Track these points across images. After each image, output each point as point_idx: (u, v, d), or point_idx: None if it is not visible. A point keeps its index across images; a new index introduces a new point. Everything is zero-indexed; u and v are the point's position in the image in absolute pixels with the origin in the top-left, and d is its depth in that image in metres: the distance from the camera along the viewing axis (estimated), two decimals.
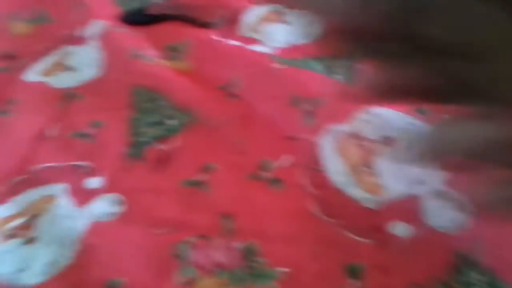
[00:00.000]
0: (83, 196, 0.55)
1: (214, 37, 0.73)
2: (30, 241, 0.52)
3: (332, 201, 0.48)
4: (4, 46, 0.83)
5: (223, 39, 0.72)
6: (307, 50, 0.67)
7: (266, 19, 0.75)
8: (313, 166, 0.51)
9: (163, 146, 0.59)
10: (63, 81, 0.73)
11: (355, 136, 0.51)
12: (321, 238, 0.44)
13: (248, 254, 0.45)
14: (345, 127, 0.52)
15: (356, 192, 0.48)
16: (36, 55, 0.79)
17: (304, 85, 0.58)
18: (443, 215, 0.43)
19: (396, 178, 0.47)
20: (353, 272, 0.41)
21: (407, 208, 0.45)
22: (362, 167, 0.49)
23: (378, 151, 0.49)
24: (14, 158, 0.61)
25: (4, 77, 0.76)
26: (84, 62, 0.75)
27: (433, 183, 0.45)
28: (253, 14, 0.76)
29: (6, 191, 0.58)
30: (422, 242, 0.42)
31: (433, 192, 0.45)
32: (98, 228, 0.52)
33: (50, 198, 0.56)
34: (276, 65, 0.63)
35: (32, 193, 0.57)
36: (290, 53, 0.67)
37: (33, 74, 0.74)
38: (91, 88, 0.70)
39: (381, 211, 0.45)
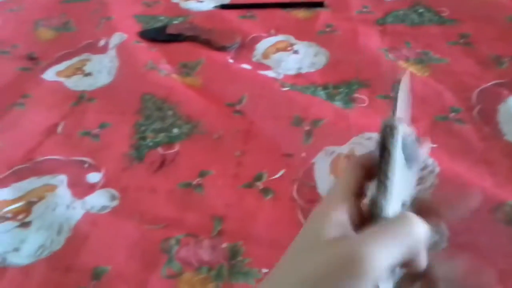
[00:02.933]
0: (82, 189, 0.57)
1: (227, 59, 0.77)
2: (25, 224, 0.54)
3: None
4: (30, 48, 0.88)
5: (235, 62, 0.76)
6: (312, 78, 0.71)
7: (277, 48, 0.79)
8: (306, 182, 0.53)
9: (164, 151, 0.61)
10: (79, 84, 0.76)
11: (349, 157, 0.53)
12: None
13: (233, 254, 0.46)
14: (340, 148, 0.55)
15: None
16: (58, 59, 0.83)
17: (306, 107, 0.61)
18: None
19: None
20: None
21: None
22: None
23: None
24: (22, 147, 0.64)
25: (25, 75, 0.80)
26: (100, 69, 0.79)
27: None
28: (266, 43, 0.81)
29: (9, 176, 0.60)
30: None
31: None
32: (91, 219, 0.53)
33: (50, 187, 0.58)
34: (281, 88, 0.66)
35: (34, 181, 0.59)
36: (296, 80, 0.70)
37: (52, 74, 0.78)
38: (104, 93, 0.74)
39: None
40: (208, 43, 0.81)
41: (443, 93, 0.64)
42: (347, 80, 0.70)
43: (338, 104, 0.64)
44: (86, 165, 0.61)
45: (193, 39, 0.83)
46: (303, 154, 0.56)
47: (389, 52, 0.74)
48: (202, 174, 0.57)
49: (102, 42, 0.86)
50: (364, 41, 0.78)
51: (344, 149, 0.54)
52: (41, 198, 0.57)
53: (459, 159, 0.53)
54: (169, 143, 0.63)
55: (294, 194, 0.52)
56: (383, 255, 0.23)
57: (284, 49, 0.78)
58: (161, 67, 0.76)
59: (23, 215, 0.55)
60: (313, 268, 0.24)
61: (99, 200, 0.56)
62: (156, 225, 0.51)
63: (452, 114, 0.61)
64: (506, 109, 0.59)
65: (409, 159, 0.29)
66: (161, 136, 0.64)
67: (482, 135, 0.57)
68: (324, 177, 0.53)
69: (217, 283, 0.44)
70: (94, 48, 0.85)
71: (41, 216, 0.54)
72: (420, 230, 0.25)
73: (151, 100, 0.70)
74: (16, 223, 0.54)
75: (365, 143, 0.53)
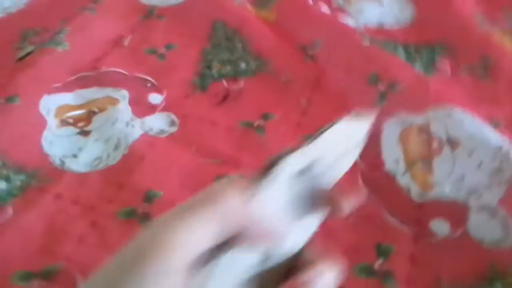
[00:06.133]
0: (143, 108, 0.57)
1: None
2: (84, 133, 0.55)
3: (380, 183, 0.48)
4: None
5: (314, 3, 0.71)
6: (394, 34, 0.66)
7: None
8: (371, 147, 0.51)
9: (228, 85, 0.60)
10: None
11: (422, 130, 0.50)
12: (361, 213, 0.44)
13: None
14: (414, 118, 0.51)
15: (406, 182, 0.47)
16: None
17: (385, 66, 0.57)
18: (487, 230, 0.42)
19: (450, 181, 0.46)
20: (383, 252, 0.41)
21: (453, 212, 0.44)
22: (420, 162, 0.48)
23: (441, 150, 0.48)
24: (89, 54, 0.63)
25: None
26: None
27: (487, 198, 0.44)
28: None
29: (74, 82, 0.60)
30: (458, 246, 0.42)
31: (484, 206, 0.44)
32: (149, 141, 0.53)
33: (112, 100, 0.58)
34: (361, 40, 0.62)
35: (97, 91, 0.59)
36: (377, 34, 0.66)
37: None
38: (175, 12, 0.71)
39: (425, 206, 0.45)
40: None
41: None
42: (431, 43, 0.64)
43: (418, 68, 0.59)
44: (149, 84, 0.60)
45: None
46: (374, 116, 0.53)
47: (484, 19, 0.68)
48: (265, 117, 0.55)
49: None
50: (457, 1, 0.71)
51: (418, 119, 0.51)
52: (102, 110, 0.57)
53: None
54: (235, 77, 0.61)
55: (360, 157, 0.50)
56: (185, 237, 0.20)
57: None
58: None
59: (83, 123, 0.56)
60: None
61: (158, 123, 0.56)
62: (212, 159, 0.51)
63: None
64: None
65: (306, 204, 0.25)
66: (227, 69, 0.62)
67: None
68: (391, 144, 0.51)
69: None
70: None
71: (100, 128, 0.55)
72: (233, 199, 0.21)
73: (222, 28, 0.67)
74: (77, 130, 0.55)
75: (443, 118, 0.50)
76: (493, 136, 0.47)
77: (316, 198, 0.25)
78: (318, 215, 0.26)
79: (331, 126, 0.25)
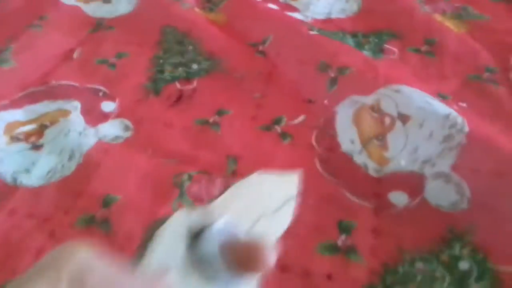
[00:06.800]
0: (96, 117, 0.56)
1: None
2: (36, 147, 0.53)
3: (338, 163, 0.48)
4: None
5: (262, 0, 0.72)
6: (342, 24, 0.67)
7: None
8: (326, 130, 0.51)
9: (181, 86, 0.59)
10: (98, 10, 0.73)
11: (374, 109, 0.51)
12: (321, 194, 0.44)
13: None
14: (365, 98, 0.52)
15: (362, 160, 0.48)
16: None
17: (334, 53, 0.58)
18: (441, 195, 0.43)
19: (404, 154, 0.47)
20: (345, 228, 0.41)
21: (410, 183, 0.45)
22: (374, 139, 0.49)
23: (393, 125, 0.49)
24: (37, 69, 0.62)
25: None
26: None
27: (438, 165, 0.45)
28: None
29: (23, 98, 0.59)
30: (417, 214, 0.42)
31: (438, 173, 0.44)
32: (104, 148, 0.52)
33: (64, 112, 0.57)
34: (309, 31, 0.63)
35: (48, 105, 0.58)
36: (325, 25, 0.67)
37: None
38: (123, 21, 0.71)
39: (383, 180, 0.45)
40: None
41: (480, 52, 0.61)
42: (378, 29, 0.66)
43: (367, 53, 0.61)
44: (100, 94, 0.59)
45: None
46: (326, 102, 0.54)
47: (425, 4, 0.70)
48: (220, 113, 0.55)
49: None
50: None
51: (369, 99, 0.52)
52: (54, 122, 0.55)
53: (490, 121, 0.51)
54: (188, 78, 0.61)
55: (313, 141, 0.50)
56: None
57: None
58: (184, 0, 0.73)
59: (35, 138, 0.54)
60: None
61: (112, 129, 0.55)
62: (169, 159, 0.50)
63: (487, 74, 0.58)
64: None
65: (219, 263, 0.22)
66: (180, 71, 0.62)
67: None
68: (345, 126, 0.51)
69: None
70: None
71: (53, 140, 0.54)
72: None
73: (172, 33, 0.67)
74: (28, 145, 0.53)
75: (392, 95, 0.51)
76: (440, 106, 0.48)
77: (232, 255, 0.22)
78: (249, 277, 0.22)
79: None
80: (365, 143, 0.49)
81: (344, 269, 0.39)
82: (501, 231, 0.40)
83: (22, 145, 0.54)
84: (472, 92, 0.56)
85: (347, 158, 0.48)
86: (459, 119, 0.47)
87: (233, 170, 0.48)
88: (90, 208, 0.46)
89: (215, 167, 0.48)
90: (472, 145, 0.45)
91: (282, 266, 0.39)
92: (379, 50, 0.62)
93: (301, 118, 0.53)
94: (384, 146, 0.48)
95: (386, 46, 0.63)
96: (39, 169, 0.51)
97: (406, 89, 0.51)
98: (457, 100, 0.54)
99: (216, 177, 0.48)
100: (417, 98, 0.50)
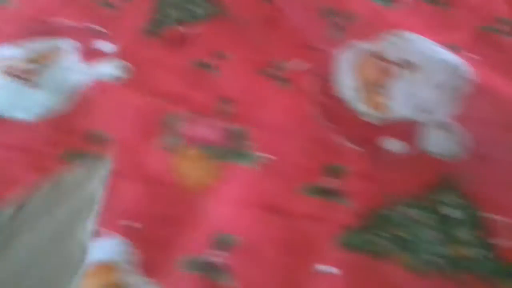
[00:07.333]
0: (92, 56, 0.55)
1: None
2: (32, 85, 0.53)
3: (334, 109, 0.46)
4: None
5: None
6: None
7: None
8: (325, 76, 0.49)
9: (182, 29, 0.58)
10: None
11: (377, 56, 0.49)
12: (312, 137, 0.43)
13: (238, 136, 0.44)
14: (369, 45, 0.50)
15: (360, 107, 0.46)
16: None
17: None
18: (439, 143, 0.41)
19: (405, 102, 0.45)
20: (333, 172, 0.40)
21: (406, 130, 0.43)
22: (374, 86, 0.47)
23: (395, 73, 0.47)
24: (35, 7, 0.61)
25: None
26: None
27: (439, 114, 0.43)
28: None
29: (20, 35, 0.58)
30: (410, 161, 0.41)
31: (436, 122, 0.42)
32: (99, 86, 0.52)
33: (60, 51, 0.56)
34: None
35: (45, 43, 0.57)
36: None
37: None
38: None
39: (379, 127, 0.44)
40: None
41: (495, 2, 0.57)
42: None
43: (378, 1, 0.58)
44: (99, 33, 0.58)
45: None
46: (329, 48, 0.52)
47: None
48: (218, 55, 0.53)
49: None
50: None
51: (373, 46, 0.49)
52: (50, 60, 0.55)
53: (502, 74, 0.48)
54: (189, 21, 0.59)
55: (312, 87, 0.49)
56: None
57: None
58: None
59: (30, 74, 0.54)
60: None
61: (109, 69, 0.54)
62: (164, 99, 0.49)
63: (501, 26, 0.54)
64: None
65: None
66: (182, 13, 0.60)
67: None
68: (347, 73, 0.49)
69: (217, 161, 0.43)
70: None
71: (48, 78, 0.53)
72: None
73: None
74: (23, 81, 0.53)
75: (397, 42, 0.48)
76: (447, 54, 0.46)
77: None
78: None
79: None
80: (365, 89, 0.47)
81: (327, 210, 0.38)
82: (496, 181, 0.38)
83: (17, 80, 0.53)
84: (485, 44, 0.53)
85: (345, 104, 0.47)
86: (467, 68, 0.44)
87: (228, 112, 0.47)
88: (80, 144, 0.46)
89: (209, 109, 0.47)
90: (480, 96, 0.43)
91: (263, 205, 0.39)
92: None
93: (302, 64, 0.51)
94: (384, 93, 0.46)
95: None
96: (33, 105, 0.50)
97: (413, 36, 0.49)
98: (469, 52, 0.51)
99: (210, 117, 0.46)
100: (423, 46, 0.47)
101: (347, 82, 0.48)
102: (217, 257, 0.38)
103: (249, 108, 0.47)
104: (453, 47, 0.51)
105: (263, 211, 0.38)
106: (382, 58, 0.48)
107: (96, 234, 0.19)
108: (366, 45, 0.50)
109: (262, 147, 0.43)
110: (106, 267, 0.39)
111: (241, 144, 0.43)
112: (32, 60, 0.55)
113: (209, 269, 0.37)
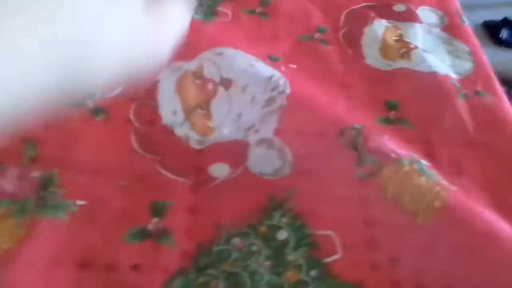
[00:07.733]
0: None
1: None
2: None
3: (157, 138, 0.43)
4: None
5: None
6: None
7: None
8: (146, 101, 0.46)
9: None
10: None
11: (197, 75, 0.46)
12: (133, 174, 0.39)
13: (45, 184, 0.38)
14: (189, 65, 0.47)
15: (184, 132, 0.43)
16: None
17: None
18: (265, 162, 0.40)
19: (229, 122, 0.43)
20: (158, 210, 0.37)
21: (233, 152, 0.41)
22: (198, 108, 0.45)
23: (216, 92, 0.45)
24: None
25: None
26: None
27: (264, 131, 0.42)
28: None
29: None
30: (238, 185, 0.39)
31: (261, 139, 0.42)
32: None
33: None
34: None
35: None
36: None
37: None
38: None
39: (205, 152, 0.42)
40: None
41: (312, 12, 0.60)
42: None
43: (198, 17, 0.56)
44: None
45: None
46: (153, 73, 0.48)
47: None
48: None
49: None
50: None
51: (192, 65, 0.47)
52: None
53: (317, 81, 0.49)
54: None
55: (131, 115, 0.45)
56: None
57: None
58: None
59: None
60: None
61: None
62: None
63: (318, 35, 0.56)
64: (369, 32, 0.56)
65: None
66: None
67: (344, 57, 0.54)
68: (167, 96, 0.46)
69: (22, 218, 0.36)
70: None
71: None
72: None
73: None
74: None
75: (215, 59, 0.47)
76: (263, 68, 0.46)
77: None
78: None
79: None
80: (188, 113, 0.45)
81: (154, 256, 0.34)
82: (319, 195, 0.38)
83: None
84: (303, 52, 0.54)
85: (168, 131, 0.44)
86: (282, 80, 0.45)
87: (31, 156, 0.40)
88: None
89: (9, 155, 0.40)
90: (295, 107, 0.43)
91: (82, 263, 0.34)
92: (211, 13, 0.58)
93: (117, 90, 0.47)
94: (207, 115, 0.44)
95: (220, 8, 0.59)
96: None
97: (230, 51, 0.47)
98: (288, 62, 0.51)
99: (10, 166, 0.40)
100: (240, 61, 0.46)
101: (169, 106, 0.45)
102: None
103: (57, 147, 0.41)
104: (273, 58, 0.51)
105: (78, 268, 0.33)
106: (201, 77, 0.46)
107: None
108: (185, 65, 0.48)
109: (73, 192, 0.38)
110: None
111: (51, 194, 0.38)
112: None
113: None
